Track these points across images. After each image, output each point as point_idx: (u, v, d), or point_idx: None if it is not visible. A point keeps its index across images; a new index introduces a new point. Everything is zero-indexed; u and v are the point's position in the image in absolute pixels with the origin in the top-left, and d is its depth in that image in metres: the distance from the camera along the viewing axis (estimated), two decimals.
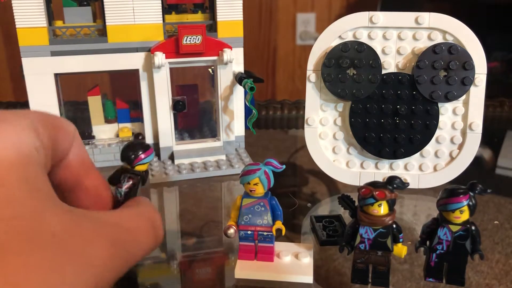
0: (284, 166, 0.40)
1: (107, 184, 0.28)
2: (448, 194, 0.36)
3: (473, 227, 0.37)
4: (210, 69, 0.67)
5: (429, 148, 0.51)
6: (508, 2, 1.30)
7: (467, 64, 0.47)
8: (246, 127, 0.66)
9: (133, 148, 0.34)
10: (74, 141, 0.24)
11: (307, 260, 0.41)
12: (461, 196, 0.35)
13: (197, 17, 0.64)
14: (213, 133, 0.68)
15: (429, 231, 0.38)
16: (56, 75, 0.61)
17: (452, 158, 0.51)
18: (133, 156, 0.34)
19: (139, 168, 0.34)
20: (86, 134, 0.67)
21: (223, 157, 0.65)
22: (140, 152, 0.34)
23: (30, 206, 0.17)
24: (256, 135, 0.68)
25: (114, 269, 0.19)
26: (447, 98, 0.48)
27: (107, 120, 0.68)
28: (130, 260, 0.21)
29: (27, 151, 0.19)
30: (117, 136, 0.68)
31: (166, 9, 0.63)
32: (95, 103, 0.66)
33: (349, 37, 0.49)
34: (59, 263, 0.16)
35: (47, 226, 0.17)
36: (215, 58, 0.62)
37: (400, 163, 0.51)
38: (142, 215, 0.24)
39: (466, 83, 0.48)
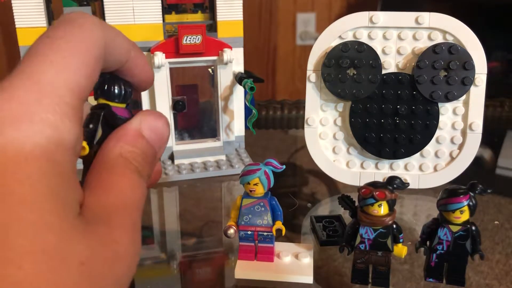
0: (284, 166, 0.40)
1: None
2: (448, 194, 0.36)
3: (473, 227, 0.37)
4: (210, 69, 0.67)
5: (429, 148, 0.51)
6: (508, 2, 1.30)
7: (467, 64, 0.47)
8: (246, 127, 0.66)
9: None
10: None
11: (307, 260, 0.41)
12: (461, 196, 0.35)
13: (197, 17, 0.64)
14: (213, 133, 0.68)
15: (429, 231, 0.38)
16: None
17: (452, 158, 0.51)
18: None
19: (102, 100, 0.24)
20: None
21: (223, 157, 0.64)
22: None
23: (57, 230, 0.15)
24: (256, 135, 0.68)
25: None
26: (447, 98, 0.48)
27: None
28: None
29: (54, 138, 0.16)
30: None
31: (166, 9, 0.62)
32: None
33: (349, 37, 0.49)
34: None
35: (75, 254, 0.15)
36: (215, 58, 0.62)
37: (400, 163, 0.51)
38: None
39: (466, 83, 0.48)
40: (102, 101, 0.23)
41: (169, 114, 0.63)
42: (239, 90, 0.65)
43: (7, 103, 0.16)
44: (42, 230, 0.14)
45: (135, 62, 0.23)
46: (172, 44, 0.60)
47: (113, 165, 0.20)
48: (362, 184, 0.38)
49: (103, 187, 0.19)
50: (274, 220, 0.40)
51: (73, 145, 0.17)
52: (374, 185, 0.36)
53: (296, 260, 0.41)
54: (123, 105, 0.24)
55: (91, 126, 0.21)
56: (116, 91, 0.23)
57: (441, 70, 0.48)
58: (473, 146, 0.50)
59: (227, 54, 0.61)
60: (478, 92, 0.49)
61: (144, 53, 0.61)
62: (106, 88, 0.23)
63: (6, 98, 0.16)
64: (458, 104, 0.50)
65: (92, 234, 0.16)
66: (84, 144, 0.20)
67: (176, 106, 0.63)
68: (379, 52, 0.49)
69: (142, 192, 0.20)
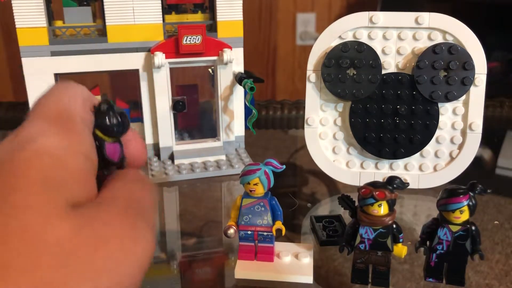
0: (284, 166, 0.40)
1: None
2: (448, 194, 0.36)
3: (473, 227, 0.37)
4: (210, 69, 0.67)
5: (429, 148, 0.51)
6: (508, 2, 1.30)
7: (467, 64, 0.47)
8: (246, 127, 0.66)
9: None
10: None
11: (307, 260, 0.41)
12: (461, 196, 0.35)
13: (197, 17, 0.64)
14: (213, 133, 0.68)
15: (429, 231, 0.38)
16: (56, 75, 0.61)
17: (452, 158, 0.51)
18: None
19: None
20: None
21: (223, 157, 0.65)
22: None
23: (36, 210, 0.16)
24: (256, 135, 0.68)
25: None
26: (447, 98, 0.48)
27: None
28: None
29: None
30: None
31: (166, 9, 0.62)
32: None
33: (349, 37, 0.49)
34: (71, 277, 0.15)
35: (54, 233, 0.16)
36: (215, 58, 0.62)
37: (400, 163, 0.51)
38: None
39: (466, 83, 0.48)
40: (98, 133, 0.22)
41: (169, 114, 0.63)
42: (239, 90, 0.65)
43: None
44: (23, 209, 0.16)
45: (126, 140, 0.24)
46: (172, 44, 0.60)
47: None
48: (362, 184, 0.38)
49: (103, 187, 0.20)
50: (274, 220, 0.40)
51: (81, 150, 0.19)
52: (374, 185, 0.36)
53: (296, 260, 0.41)
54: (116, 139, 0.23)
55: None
56: (113, 128, 0.22)
57: (441, 70, 0.48)
58: (473, 146, 0.50)
59: (227, 54, 0.61)
60: (478, 92, 0.49)
61: (145, 53, 0.61)
62: (102, 122, 0.22)
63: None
64: (458, 104, 0.50)
65: (78, 217, 0.17)
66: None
67: (176, 106, 0.63)
68: (379, 52, 0.49)
69: (134, 179, 0.21)
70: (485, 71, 0.48)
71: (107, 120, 0.22)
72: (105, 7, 0.59)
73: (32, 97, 0.60)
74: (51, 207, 0.16)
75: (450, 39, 0.48)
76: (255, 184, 0.39)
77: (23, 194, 0.16)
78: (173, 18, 0.63)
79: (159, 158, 0.65)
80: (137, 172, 0.22)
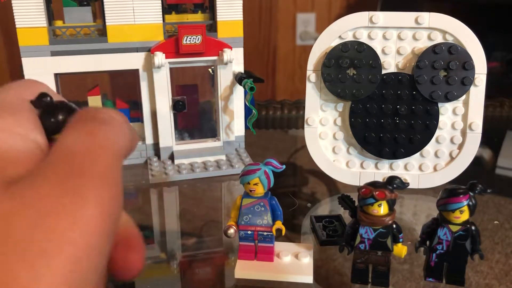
0: (284, 166, 0.40)
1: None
2: (448, 194, 0.36)
3: (473, 227, 0.37)
4: (210, 69, 0.67)
5: (429, 148, 0.51)
6: (508, 2, 1.30)
7: (467, 64, 0.47)
8: (246, 127, 0.66)
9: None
10: None
11: (307, 260, 0.41)
12: (461, 196, 0.35)
13: (197, 17, 0.64)
14: (213, 133, 0.68)
15: (429, 231, 0.38)
16: (56, 75, 0.61)
17: (452, 158, 0.51)
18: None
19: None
20: None
21: (223, 157, 0.65)
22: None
23: None
24: (256, 135, 0.68)
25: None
26: (447, 98, 0.48)
27: None
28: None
29: None
30: None
31: (166, 9, 0.63)
32: (95, 103, 0.66)
33: (349, 37, 0.49)
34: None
35: None
36: (215, 58, 0.62)
37: (400, 163, 0.51)
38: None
39: (466, 83, 0.48)
40: None
41: (169, 114, 0.63)
42: (239, 90, 0.65)
43: None
44: None
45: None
46: (172, 44, 0.60)
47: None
48: (362, 184, 0.38)
49: None
50: (274, 220, 0.40)
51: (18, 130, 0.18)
52: (374, 185, 0.36)
53: (296, 260, 0.41)
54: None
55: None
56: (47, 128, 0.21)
57: (441, 70, 0.48)
58: (472, 146, 0.50)
59: (227, 54, 0.61)
60: (477, 92, 0.49)
61: (145, 53, 0.61)
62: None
63: None
64: (458, 104, 0.50)
65: (9, 196, 0.15)
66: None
67: (176, 106, 0.63)
68: (379, 52, 0.49)
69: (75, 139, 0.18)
70: (485, 71, 0.48)
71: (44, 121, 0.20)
72: (105, 7, 0.59)
73: None
74: None
75: (450, 39, 0.48)
76: (255, 184, 0.39)
77: None
78: (173, 18, 0.63)
79: (159, 158, 0.65)
80: (81, 118, 0.19)
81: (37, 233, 0.15)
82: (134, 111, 0.68)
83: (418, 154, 0.51)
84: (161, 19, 0.61)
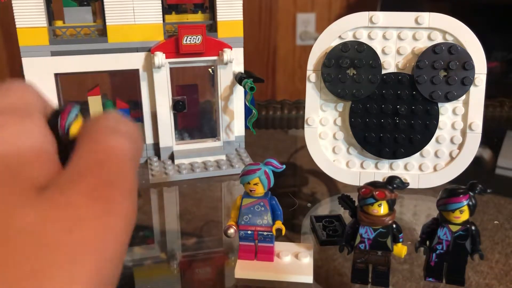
0: (284, 166, 0.40)
1: None
2: (448, 194, 0.36)
3: (473, 227, 0.37)
4: (210, 69, 0.67)
5: (429, 148, 0.51)
6: (508, 2, 1.30)
7: (467, 64, 0.47)
8: (246, 127, 0.66)
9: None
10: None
11: (307, 260, 0.41)
12: (461, 196, 0.35)
13: (197, 17, 0.64)
14: (213, 133, 0.68)
15: (429, 231, 0.38)
16: (56, 75, 0.61)
17: (452, 158, 0.51)
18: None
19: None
20: None
21: (223, 157, 0.65)
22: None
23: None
24: (256, 135, 0.68)
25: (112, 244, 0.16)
26: (447, 98, 0.48)
27: None
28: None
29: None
30: None
31: (166, 9, 0.63)
32: (95, 103, 0.66)
33: (349, 37, 0.49)
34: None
35: (17, 218, 0.15)
36: (215, 58, 0.62)
37: (400, 163, 0.51)
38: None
39: (466, 83, 0.48)
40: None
41: (169, 114, 0.63)
42: (239, 90, 0.65)
43: None
44: None
45: None
46: (172, 44, 0.60)
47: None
48: (362, 184, 0.38)
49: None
50: (274, 219, 0.40)
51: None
52: (374, 185, 0.36)
53: (296, 260, 0.41)
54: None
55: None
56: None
57: (441, 70, 0.48)
58: (472, 146, 0.50)
59: (227, 54, 0.61)
60: (477, 92, 0.49)
61: (145, 53, 0.61)
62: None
63: None
64: (458, 104, 0.50)
65: (43, 201, 0.16)
66: None
67: (176, 106, 0.63)
68: (379, 52, 0.49)
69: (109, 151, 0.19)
70: (485, 71, 0.48)
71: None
72: (105, 7, 0.59)
73: None
74: (13, 197, 0.15)
75: (450, 39, 0.48)
76: (255, 184, 0.39)
77: None
78: (173, 18, 0.63)
79: (159, 158, 0.65)
80: (102, 131, 0.20)
81: (71, 238, 0.15)
82: (134, 111, 0.68)
83: (418, 154, 0.51)
84: (161, 19, 0.61)
